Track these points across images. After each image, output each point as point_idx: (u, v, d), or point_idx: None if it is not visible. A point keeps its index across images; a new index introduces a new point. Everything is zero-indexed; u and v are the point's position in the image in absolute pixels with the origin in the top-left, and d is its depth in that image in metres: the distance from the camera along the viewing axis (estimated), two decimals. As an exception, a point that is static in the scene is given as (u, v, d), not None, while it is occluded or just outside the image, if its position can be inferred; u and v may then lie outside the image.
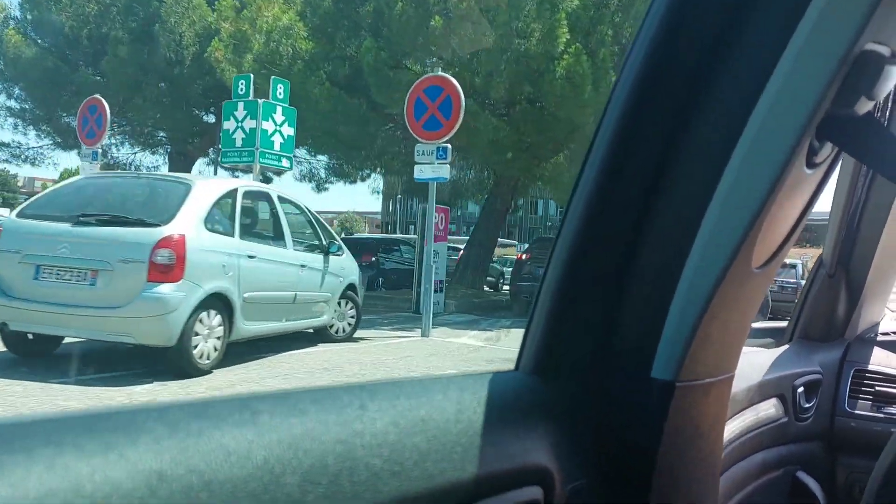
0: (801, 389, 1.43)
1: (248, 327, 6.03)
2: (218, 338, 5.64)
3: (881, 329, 1.78)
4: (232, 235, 5.91)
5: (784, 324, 1.79)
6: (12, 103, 20.19)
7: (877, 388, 1.63)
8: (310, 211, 7.47)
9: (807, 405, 1.47)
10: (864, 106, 0.65)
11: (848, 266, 1.67)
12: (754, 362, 1.32)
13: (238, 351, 6.14)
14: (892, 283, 1.76)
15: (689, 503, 0.73)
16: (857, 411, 1.61)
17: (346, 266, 7.79)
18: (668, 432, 0.67)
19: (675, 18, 0.66)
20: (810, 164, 0.68)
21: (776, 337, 1.76)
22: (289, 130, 10.63)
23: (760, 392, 1.26)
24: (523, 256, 14.16)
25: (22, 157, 21.06)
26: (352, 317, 8.05)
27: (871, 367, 1.66)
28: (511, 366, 0.72)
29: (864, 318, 1.75)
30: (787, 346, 1.63)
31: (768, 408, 1.31)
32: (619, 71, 0.69)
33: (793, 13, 0.59)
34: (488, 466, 0.56)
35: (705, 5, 0.65)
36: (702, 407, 0.72)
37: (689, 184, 0.66)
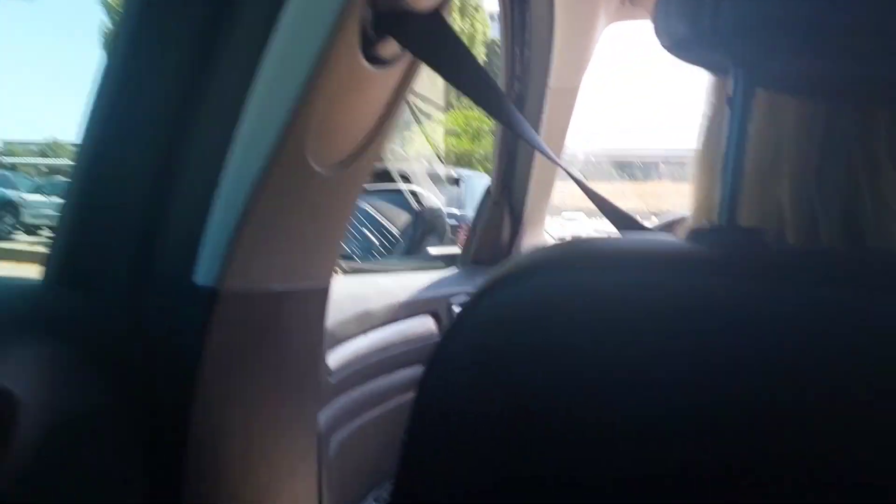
0: (455, 308, 1.51)
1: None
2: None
3: None
4: None
5: (459, 249, 1.88)
6: None
7: None
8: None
9: None
10: (428, 1, 0.64)
11: (510, 194, 1.79)
12: (407, 283, 1.35)
13: None
14: (545, 209, 1.92)
15: (243, 422, 0.69)
16: None
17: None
18: (214, 343, 0.62)
19: None
20: (373, 60, 0.65)
21: (451, 263, 1.84)
22: None
23: (407, 310, 1.30)
24: None
25: None
26: None
27: None
28: None
29: (527, 241, 1.90)
30: (453, 270, 1.71)
31: (418, 325, 1.36)
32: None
33: None
34: None
35: None
36: (269, 317, 0.69)
37: (229, 72, 0.60)
